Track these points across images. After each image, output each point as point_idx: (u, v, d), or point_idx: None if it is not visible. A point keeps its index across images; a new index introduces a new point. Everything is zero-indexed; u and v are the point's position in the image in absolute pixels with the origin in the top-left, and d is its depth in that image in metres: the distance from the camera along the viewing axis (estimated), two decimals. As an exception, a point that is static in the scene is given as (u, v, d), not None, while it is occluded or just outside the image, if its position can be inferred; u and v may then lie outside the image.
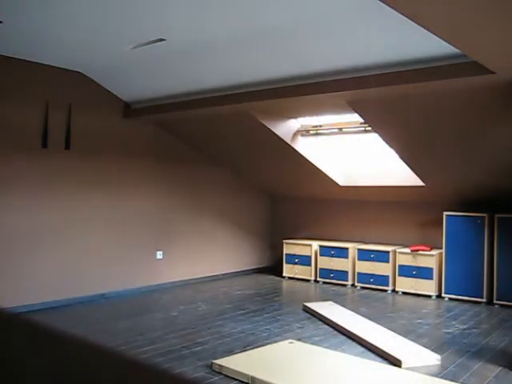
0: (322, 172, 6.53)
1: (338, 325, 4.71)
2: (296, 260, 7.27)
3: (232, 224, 7.63)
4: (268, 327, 4.75)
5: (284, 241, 7.48)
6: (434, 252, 6.16)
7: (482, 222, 5.76)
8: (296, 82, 4.82)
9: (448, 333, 4.64)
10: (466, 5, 2.44)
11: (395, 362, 3.76)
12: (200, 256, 7.16)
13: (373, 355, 3.98)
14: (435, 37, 2.94)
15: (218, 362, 3.65)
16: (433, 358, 3.81)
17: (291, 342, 4.20)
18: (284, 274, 7.39)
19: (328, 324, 4.87)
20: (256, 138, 6.28)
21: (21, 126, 5.26)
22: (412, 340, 4.30)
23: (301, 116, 6.21)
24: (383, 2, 2.34)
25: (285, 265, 7.41)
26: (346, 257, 6.80)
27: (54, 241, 5.51)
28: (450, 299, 5.95)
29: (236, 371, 3.48)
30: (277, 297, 6.18)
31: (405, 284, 6.32)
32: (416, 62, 4.02)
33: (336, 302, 5.72)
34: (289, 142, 6.18)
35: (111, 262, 6.05)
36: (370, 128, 5.69)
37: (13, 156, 5.20)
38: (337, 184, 6.74)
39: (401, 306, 5.75)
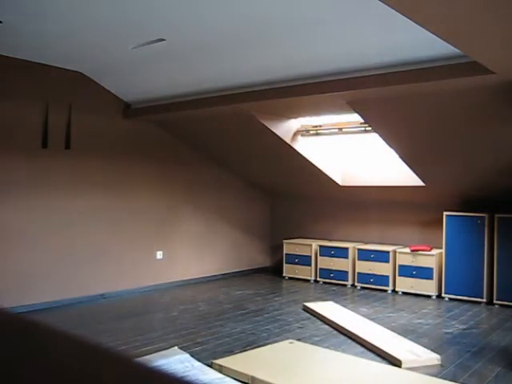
0: (322, 172, 6.53)
1: (338, 325, 4.71)
2: (296, 260, 7.28)
3: (232, 224, 7.63)
4: (268, 327, 4.75)
5: (284, 241, 7.48)
6: (434, 252, 6.16)
7: (482, 222, 5.76)
8: (296, 82, 4.82)
9: (448, 333, 4.64)
10: (466, 4, 2.44)
11: (395, 362, 3.76)
12: (200, 256, 7.16)
13: (373, 355, 3.98)
14: (435, 37, 2.94)
15: (218, 361, 3.65)
16: (433, 358, 3.81)
17: (291, 342, 4.20)
18: (284, 274, 7.39)
19: (328, 324, 4.87)
20: (256, 138, 6.28)
21: (21, 126, 5.26)
22: (412, 340, 4.30)
23: (301, 116, 6.21)
24: (383, 1, 2.34)
25: (285, 265, 7.41)
26: (346, 257, 6.80)
27: (54, 240, 5.51)
28: (450, 299, 5.95)
29: (236, 371, 3.49)
30: (277, 297, 6.18)
31: (405, 284, 6.32)
32: (416, 63, 4.02)
33: (336, 301, 5.72)
34: (289, 142, 6.18)
35: (111, 262, 6.05)
36: (370, 128, 5.69)
37: (13, 156, 5.20)
38: (337, 184, 6.74)
39: (401, 306, 5.75)
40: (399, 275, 6.37)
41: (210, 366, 3.63)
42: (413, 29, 3.01)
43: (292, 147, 6.22)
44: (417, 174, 5.81)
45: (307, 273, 7.17)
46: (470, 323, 4.96)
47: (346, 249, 6.82)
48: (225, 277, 7.42)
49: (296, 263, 7.28)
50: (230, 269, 7.56)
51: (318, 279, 7.06)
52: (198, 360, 3.75)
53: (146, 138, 6.49)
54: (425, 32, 2.87)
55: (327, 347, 4.13)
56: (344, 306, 5.46)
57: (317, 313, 5.17)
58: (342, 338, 4.46)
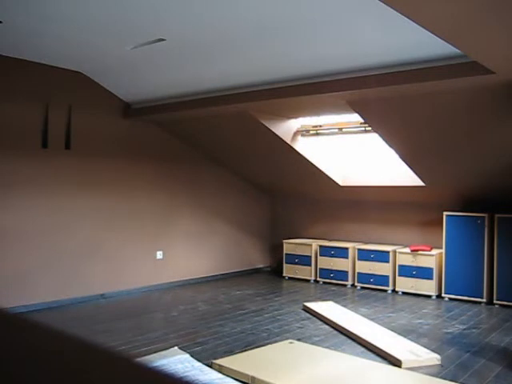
0: (322, 172, 6.53)
1: (338, 325, 4.71)
2: (296, 260, 7.28)
3: (232, 224, 7.63)
4: (268, 327, 4.75)
5: (284, 241, 7.48)
6: (433, 252, 6.16)
7: (482, 222, 5.76)
8: (296, 82, 4.81)
9: (448, 333, 4.64)
10: (467, 4, 2.44)
11: (395, 362, 3.76)
12: (200, 256, 7.16)
13: (373, 355, 3.98)
14: (435, 37, 2.94)
15: (218, 362, 3.65)
16: (433, 358, 3.81)
17: (291, 342, 4.20)
18: (284, 274, 7.39)
19: (328, 324, 4.87)
20: (256, 138, 6.29)
21: (21, 126, 5.26)
22: (412, 340, 4.30)
23: (301, 116, 6.21)
24: (383, 1, 2.34)
25: (285, 265, 7.41)
26: (346, 257, 6.80)
27: (54, 240, 5.51)
28: (450, 299, 5.95)
29: (236, 371, 3.49)
30: (277, 297, 6.18)
31: (405, 284, 6.32)
32: (416, 62, 4.02)
33: (336, 302, 5.72)
34: (289, 142, 6.18)
35: (111, 262, 6.05)
36: (370, 128, 5.69)
37: (13, 156, 5.20)
38: (337, 184, 6.74)
39: (401, 305, 5.75)
40: (399, 275, 6.37)
41: (210, 366, 3.63)
42: (413, 29, 3.01)
43: (292, 147, 6.22)
44: (417, 174, 5.81)
45: (307, 273, 7.17)
46: (470, 323, 4.96)
47: (346, 249, 6.82)
48: (225, 277, 7.42)
49: (296, 263, 7.28)
50: (229, 269, 7.56)
51: (318, 279, 7.06)
52: (198, 360, 3.75)
53: (146, 137, 6.49)
54: (425, 32, 2.87)
55: (327, 347, 4.13)
56: (344, 306, 5.46)
57: (317, 313, 5.17)
58: (342, 337, 4.47)
